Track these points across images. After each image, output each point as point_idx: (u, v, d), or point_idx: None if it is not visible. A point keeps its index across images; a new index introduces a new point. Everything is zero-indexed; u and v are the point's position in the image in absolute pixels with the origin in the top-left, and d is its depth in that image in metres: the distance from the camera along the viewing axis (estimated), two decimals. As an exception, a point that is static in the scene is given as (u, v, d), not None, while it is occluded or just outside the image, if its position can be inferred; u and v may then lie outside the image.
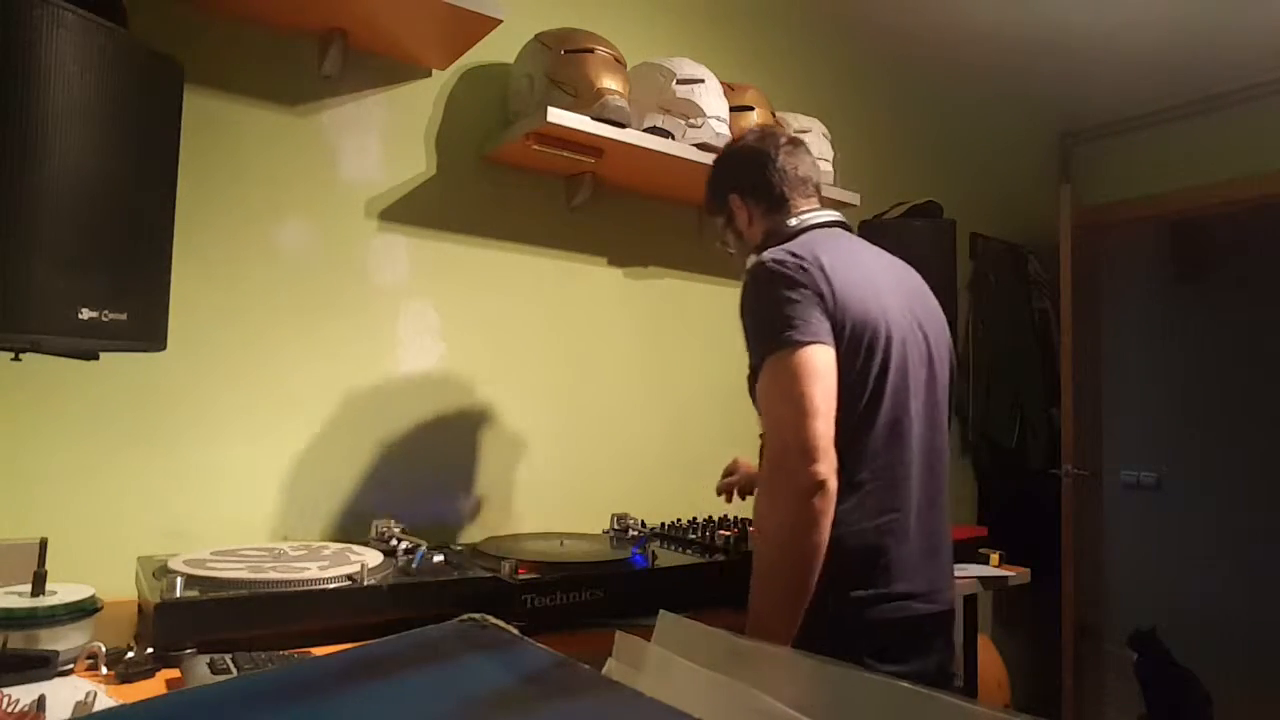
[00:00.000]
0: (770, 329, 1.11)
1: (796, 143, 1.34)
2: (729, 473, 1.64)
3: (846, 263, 1.17)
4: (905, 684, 0.43)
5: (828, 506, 1.06)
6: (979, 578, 1.80)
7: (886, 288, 1.22)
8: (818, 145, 2.07)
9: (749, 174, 1.32)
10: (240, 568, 1.11)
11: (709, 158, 1.78)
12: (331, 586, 1.08)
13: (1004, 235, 3.15)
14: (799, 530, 1.05)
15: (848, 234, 1.30)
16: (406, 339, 1.65)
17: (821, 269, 1.13)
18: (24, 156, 0.86)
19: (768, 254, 1.17)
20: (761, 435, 1.19)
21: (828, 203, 1.37)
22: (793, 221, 1.28)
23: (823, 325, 1.10)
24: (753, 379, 1.18)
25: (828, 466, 1.05)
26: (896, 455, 1.16)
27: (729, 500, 1.64)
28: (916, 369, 1.20)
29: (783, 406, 1.08)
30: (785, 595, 1.06)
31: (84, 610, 0.97)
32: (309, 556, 1.22)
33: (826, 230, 1.27)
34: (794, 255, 1.15)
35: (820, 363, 1.08)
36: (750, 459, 1.56)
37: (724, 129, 1.82)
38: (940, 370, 1.26)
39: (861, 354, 1.13)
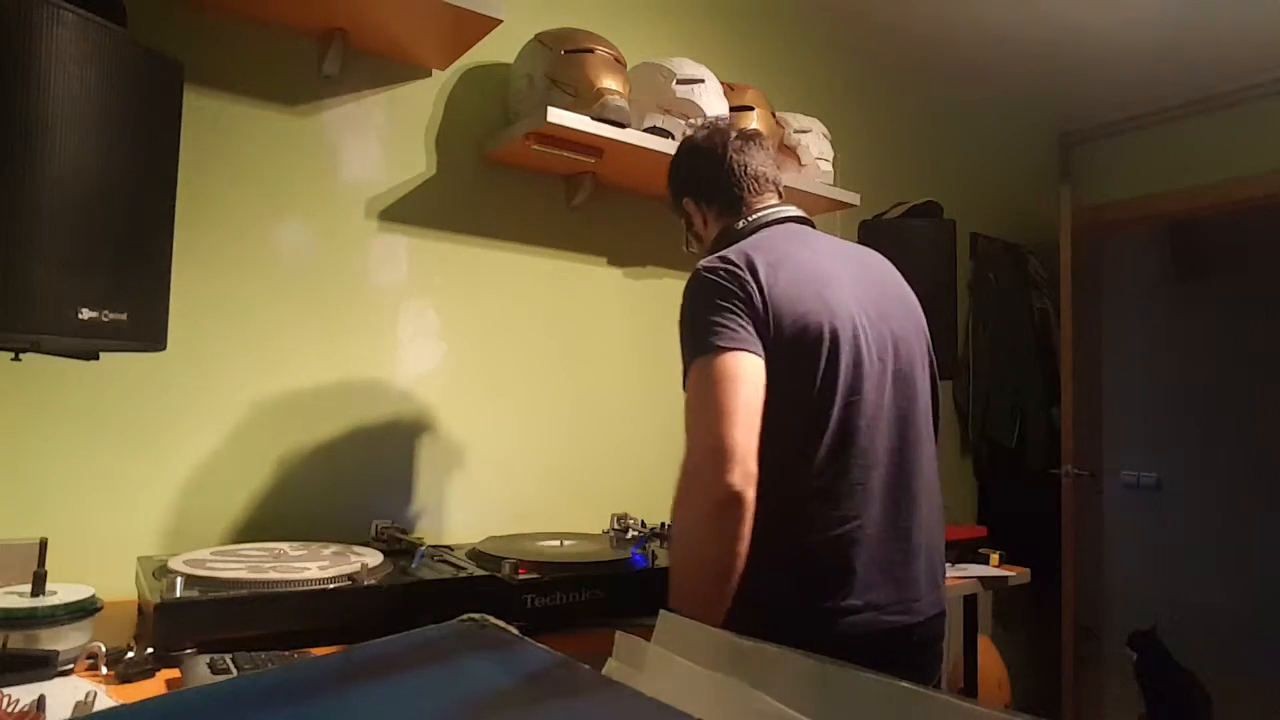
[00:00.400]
0: (694, 336, 1.07)
1: (749, 136, 1.28)
2: None
3: (792, 262, 1.12)
4: (905, 684, 0.43)
5: (742, 517, 0.99)
6: (979, 578, 1.80)
7: (841, 284, 1.14)
8: (818, 145, 2.07)
9: (699, 175, 1.28)
10: (240, 568, 1.11)
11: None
12: (331, 586, 1.08)
13: (1004, 235, 3.15)
14: (710, 543, 1.00)
15: (804, 228, 1.24)
16: (406, 339, 1.65)
17: (755, 274, 1.07)
18: (24, 156, 0.86)
19: (703, 261, 1.13)
20: None
21: (792, 198, 1.31)
22: (741, 224, 1.22)
23: (748, 334, 1.05)
24: None
25: (742, 476, 0.98)
26: (852, 460, 1.08)
27: None
28: (874, 366, 1.12)
29: (698, 411, 1.03)
30: (700, 607, 0.99)
31: (84, 610, 0.97)
32: (309, 556, 1.22)
33: (780, 227, 1.21)
34: (726, 262, 1.10)
35: (741, 369, 1.03)
36: None
37: (724, 129, 1.81)
38: (911, 365, 1.18)
39: (804, 359, 1.08)
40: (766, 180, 1.26)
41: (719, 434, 0.99)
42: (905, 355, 1.17)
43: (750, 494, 0.99)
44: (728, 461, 0.98)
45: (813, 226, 1.27)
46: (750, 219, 1.22)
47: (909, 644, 1.11)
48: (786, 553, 1.07)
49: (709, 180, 1.26)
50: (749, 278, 1.07)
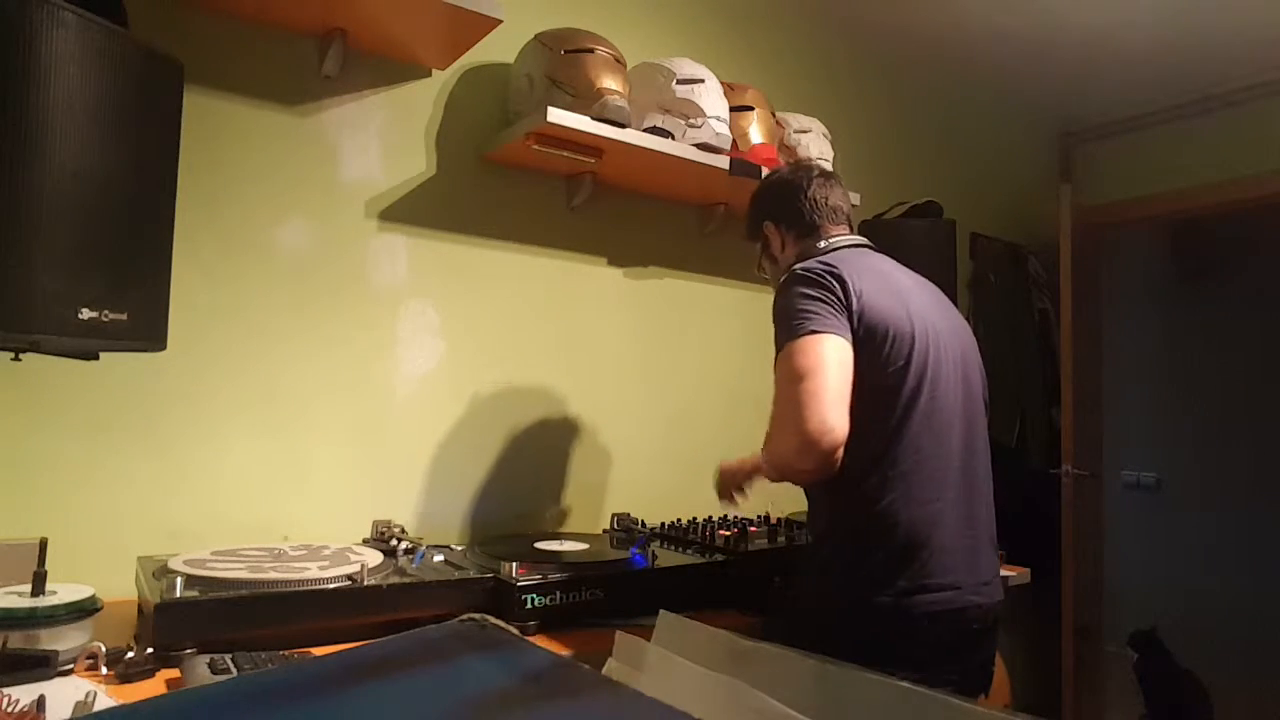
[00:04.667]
0: (788, 323, 1.17)
1: (829, 175, 1.43)
2: (726, 480, 1.48)
3: (872, 274, 1.24)
4: (905, 684, 0.43)
5: (828, 476, 1.12)
6: (979, 578, 1.80)
7: (913, 297, 1.28)
8: (818, 145, 2.07)
9: (782, 202, 1.41)
10: (240, 568, 1.11)
11: (709, 158, 1.79)
12: (331, 586, 1.08)
13: (1004, 235, 3.15)
14: (806, 468, 1.12)
15: (877, 254, 1.37)
16: (406, 338, 1.65)
17: (843, 277, 1.19)
18: (24, 157, 0.86)
19: (799, 265, 1.26)
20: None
21: (860, 232, 1.44)
22: (822, 244, 1.35)
23: (840, 321, 1.16)
24: None
25: (826, 453, 1.09)
26: (935, 447, 1.20)
27: (745, 499, 1.51)
28: (950, 369, 1.25)
29: (790, 390, 1.12)
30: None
31: (84, 610, 0.97)
32: (309, 556, 1.22)
33: (855, 250, 1.34)
34: (820, 263, 1.23)
35: (832, 348, 1.13)
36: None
37: (724, 129, 1.82)
38: (973, 376, 1.33)
39: (890, 352, 1.18)
40: (842, 213, 1.41)
41: (807, 412, 1.09)
42: (969, 364, 1.32)
43: (837, 460, 1.10)
44: (816, 438, 1.08)
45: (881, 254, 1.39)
46: (830, 241, 1.36)
47: (985, 624, 1.22)
48: (872, 531, 1.17)
49: (791, 207, 1.40)
50: (840, 279, 1.20)
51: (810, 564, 1.30)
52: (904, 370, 1.19)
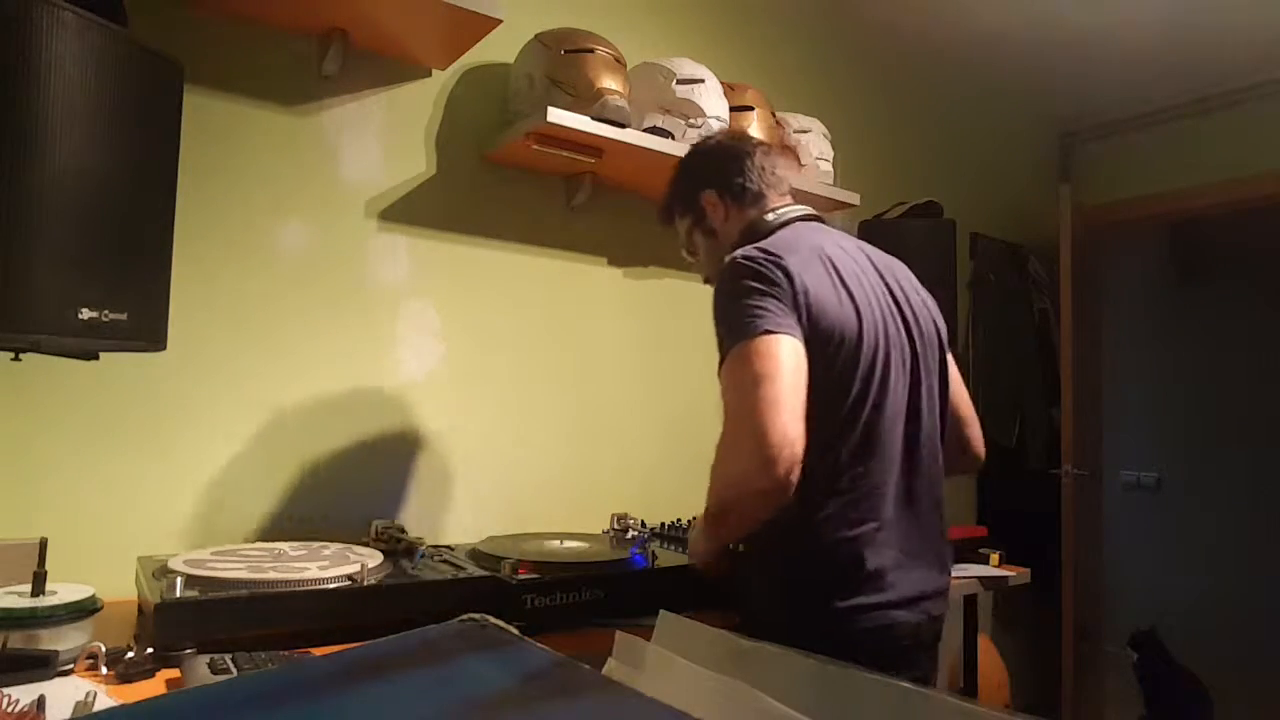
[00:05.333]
0: (738, 320, 1.05)
1: (770, 145, 1.33)
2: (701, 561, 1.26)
3: (818, 263, 1.13)
4: (905, 684, 0.43)
5: (782, 504, 1.00)
6: (979, 578, 1.80)
7: (867, 285, 1.17)
8: (818, 145, 2.07)
9: (726, 170, 1.29)
10: (240, 568, 1.11)
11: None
12: (331, 586, 1.08)
13: (1004, 235, 3.15)
14: (747, 520, 1.06)
15: (826, 228, 1.26)
16: (406, 339, 1.65)
17: (790, 270, 1.08)
18: (24, 157, 0.86)
19: (739, 251, 1.13)
20: None
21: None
22: (770, 216, 1.24)
23: (792, 321, 1.05)
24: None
25: (788, 469, 0.97)
26: (873, 464, 1.10)
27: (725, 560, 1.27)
28: (897, 368, 1.15)
29: (741, 397, 1.01)
30: (724, 531, 1.12)
31: (84, 610, 0.97)
32: (309, 556, 1.22)
33: (803, 224, 1.24)
34: (765, 252, 1.11)
35: (789, 351, 1.02)
36: None
37: (724, 129, 1.81)
38: (927, 365, 1.21)
39: (834, 357, 1.08)
40: (786, 184, 1.31)
41: (767, 422, 0.97)
42: (924, 354, 1.20)
43: (794, 481, 0.99)
44: (777, 451, 0.97)
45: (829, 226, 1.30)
46: (778, 212, 1.25)
47: (917, 643, 1.13)
48: (806, 550, 1.10)
49: (736, 175, 1.27)
50: (788, 271, 1.08)
51: (748, 568, 1.21)
52: (846, 382, 1.09)
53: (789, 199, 1.30)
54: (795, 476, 0.99)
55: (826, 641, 1.05)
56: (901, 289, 1.24)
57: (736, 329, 1.05)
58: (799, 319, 1.06)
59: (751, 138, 1.33)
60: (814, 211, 1.27)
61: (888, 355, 1.13)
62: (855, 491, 1.09)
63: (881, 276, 1.22)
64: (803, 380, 1.02)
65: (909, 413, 1.16)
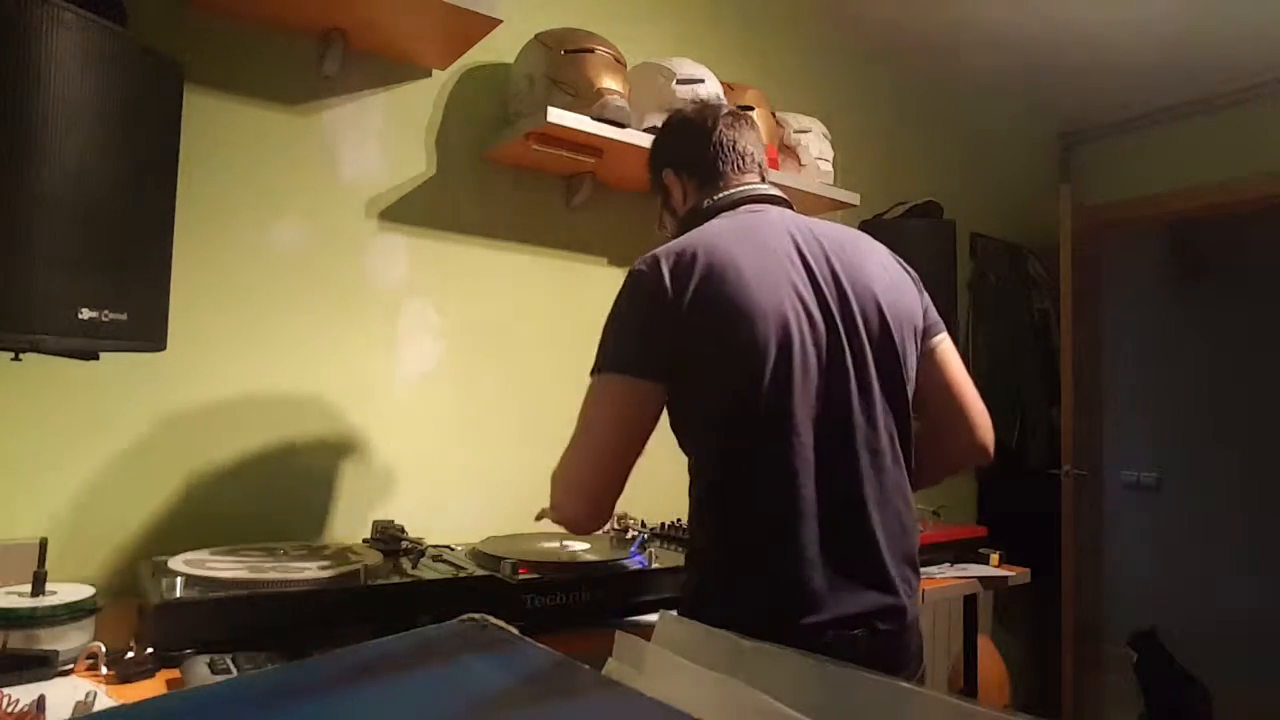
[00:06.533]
0: (602, 343, 1.06)
1: (739, 115, 1.23)
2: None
3: (737, 258, 1.03)
4: (905, 684, 0.43)
5: (589, 530, 1.13)
6: (979, 578, 1.80)
7: (792, 277, 1.05)
8: (818, 145, 2.07)
9: (684, 146, 1.22)
10: (240, 568, 1.11)
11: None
12: (331, 586, 1.08)
13: (1004, 235, 3.15)
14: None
15: (778, 209, 1.16)
16: (406, 338, 1.65)
17: (688, 278, 1.00)
18: (24, 156, 0.86)
19: (643, 256, 1.06)
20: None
21: (792, 198, 1.23)
22: (707, 203, 1.15)
23: (650, 353, 1.01)
24: None
25: (589, 519, 1.09)
26: (796, 469, 1.00)
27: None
28: (818, 368, 1.03)
29: (576, 431, 1.08)
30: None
31: (84, 610, 0.97)
32: (309, 556, 1.22)
33: (745, 208, 1.14)
34: (657, 262, 1.03)
35: (619, 394, 1.04)
36: None
37: (724, 129, 1.81)
38: (871, 357, 1.06)
39: (736, 370, 1.00)
40: (752, 160, 1.20)
41: (582, 472, 1.07)
42: (863, 345, 1.06)
43: (598, 528, 1.11)
44: (586, 505, 1.08)
45: (789, 207, 1.19)
46: (718, 197, 1.16)
47: (855, 659, 1.00)
48: (737, 563, 1.02)
49: (694, 152, 1.20)
50: (684, 278, 1.01)
51: (700, 565, 1.10)
52: (749, 390, 0.99)
53: (753, 175, 1.20)
54: (598, 525, 1.10)
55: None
56: (849, 274, 1.09)
57: (600, 354, 1.06)
58: (670, 341, 1.00)
59: (719, 107, 1.24)
60: (766, 191, 1.18)
61: (805, 356, 1.01)
62: (779, 511, 1.00)
63: (837, 259, 1.09)
64: (638, 430, 1.05)
65: (837, 415, 1.03)
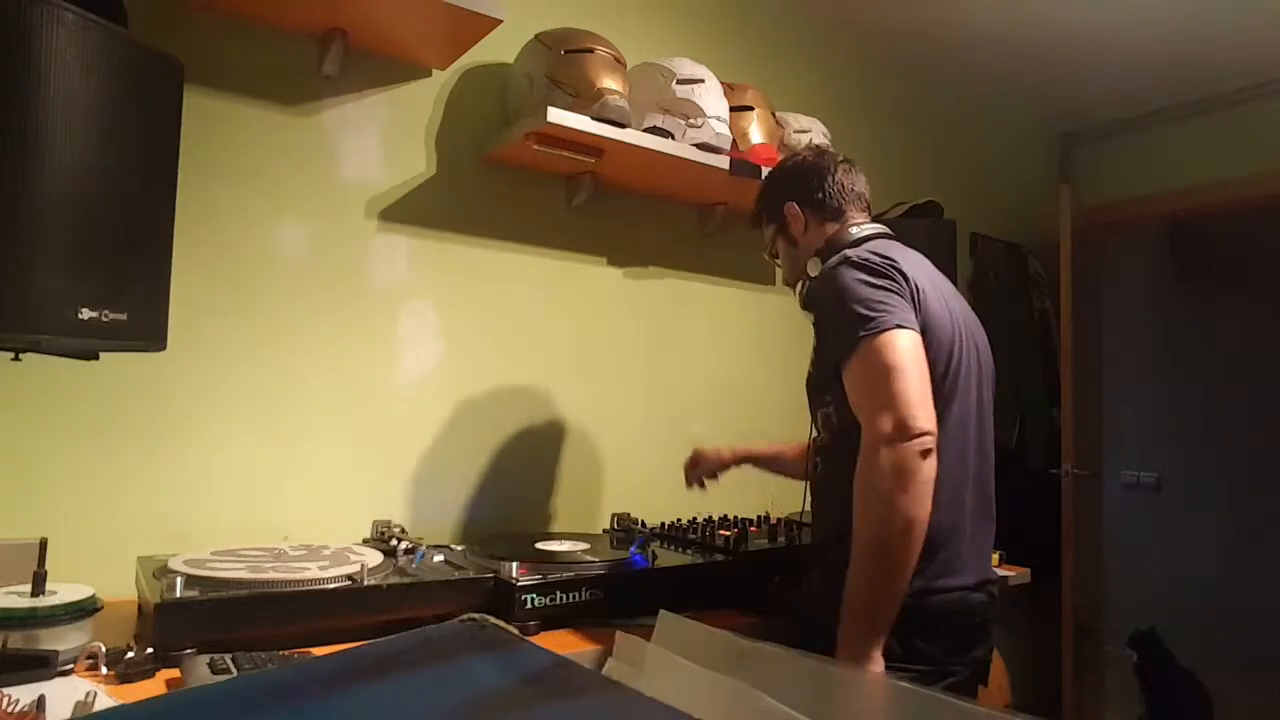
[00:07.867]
0: (863, 314, 1.13)
1: (851, 163, 1.42)
2: (693, 464, 1.67)
3: (916, 268, 1.24)
4: (905, 684, 0.43)
5: (931, 476, 1.07)
6: (979, 578, 1.80)
7: (947, 293, 1.29)
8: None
9: (807, 184, 1.39)
10: (240, 568, 1.11)
11: (709, 158, 1.79)
12: (331, 586, 1.08)
13: (1004, 235, 3.15)
14: (906, 505, 1.06)
15: (904, 246, 1.35)
16: (406, 338, 1.65)
17: (904, 271, 1.19)
18: (23, 156, 0.86)
19: (852, 253, 1.24)
20: (814, 437, 1.32)
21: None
22: (854, 230, 1.33)
23: (912, 315, 1.15)
24: (819, 375, 1.27)
25: (928, 442, 1.07)
26: (959, 453, 1.21)
27: (702, 488, 1.69)
28: (972, 374, 1.26)
29: (882, 386, 1.09)
30: (890, 576, 1.07)
31: (84, 610, 0.97)
32: (309, 556, 1.22)
33: (887, 241, 1.33)
34: (878, 254, 1.21)
35: (915, 345, 1.13)
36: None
37: (724, 129, 1.82)
38: (986, 374, 1.32)
39: (938, 354, 1.18)
40: (864, 200, 1.40)
41: (909, 407, 1.07)
42: (984, 364, 1.32)
43: (934, 459, 1.08)
44: (919, 427, 1.06)
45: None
46: (861, 229, 1.34)
47: (986, 618, 1.27)
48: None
49: (817, 190, 1.38)
50: (903, 271, 1.19)
51: (825, 561, 1.27)
52: (943, 377, 1.19)
53: (866, 216, 1.39)
54: (935, 452, 1.09)
55: (905, 623, 1.11)
56: (966, 306, 1.36)
57: (863, 321, 1.13)
58: (916, 314, 1.16)
59: (834, 155, 1.43)
60: (890, 231, 1.36)
61: (969, 360, 1.25)
62: (945, 476, 1.13)
63: (953, 290, 1.34)
64: (926, 371, 1.12)
65: (978, 413, 1.27)
